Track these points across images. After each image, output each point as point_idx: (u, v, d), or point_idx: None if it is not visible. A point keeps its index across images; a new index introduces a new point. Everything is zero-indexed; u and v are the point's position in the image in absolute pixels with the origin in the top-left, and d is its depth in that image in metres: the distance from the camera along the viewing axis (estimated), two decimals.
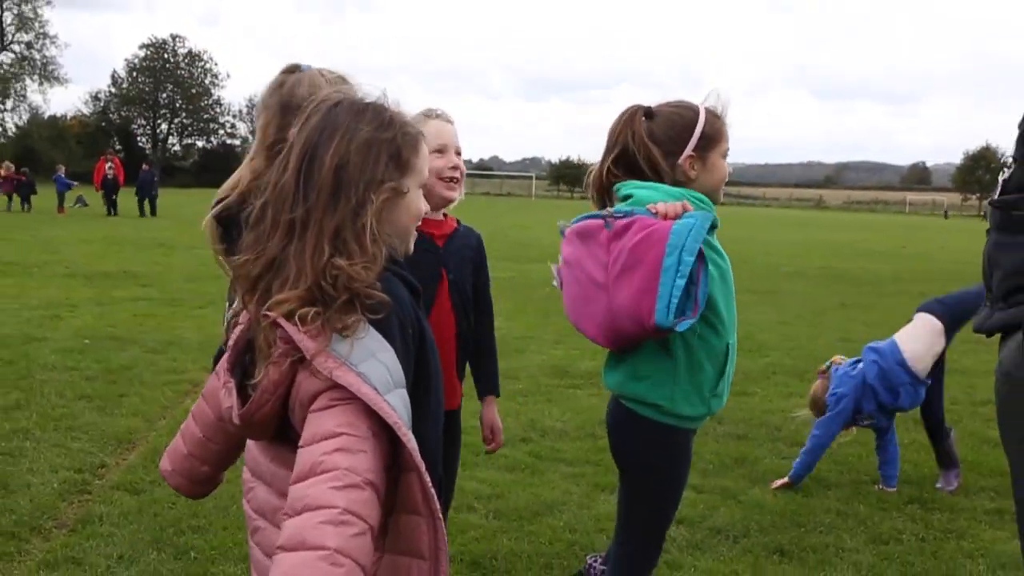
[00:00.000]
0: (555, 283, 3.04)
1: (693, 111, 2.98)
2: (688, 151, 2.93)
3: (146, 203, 32.90)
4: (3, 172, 35.05)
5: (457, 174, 3.14)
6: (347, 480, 1.65)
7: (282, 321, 1.75)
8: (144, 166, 35.96)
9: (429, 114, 3.13)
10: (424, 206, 2.00)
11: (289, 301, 1.75)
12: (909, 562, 4.38)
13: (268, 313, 1.77)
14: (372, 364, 1.76)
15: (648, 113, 3.00)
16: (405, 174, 1.89)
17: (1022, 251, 2.38)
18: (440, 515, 1.82)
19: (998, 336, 2.50)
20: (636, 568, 3.14)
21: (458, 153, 3.17)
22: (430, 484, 1.79)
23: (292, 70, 2.77)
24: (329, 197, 1.80)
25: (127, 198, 33.35)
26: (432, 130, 3.01)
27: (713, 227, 2.88)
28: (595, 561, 3.44)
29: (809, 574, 4.20)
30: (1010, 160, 2.49)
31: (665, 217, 2.72)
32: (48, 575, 3.93)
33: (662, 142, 2.95)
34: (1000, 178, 2.53)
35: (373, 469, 1.70)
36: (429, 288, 3.08)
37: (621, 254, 2.72)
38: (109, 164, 33.44)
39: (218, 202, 2.71)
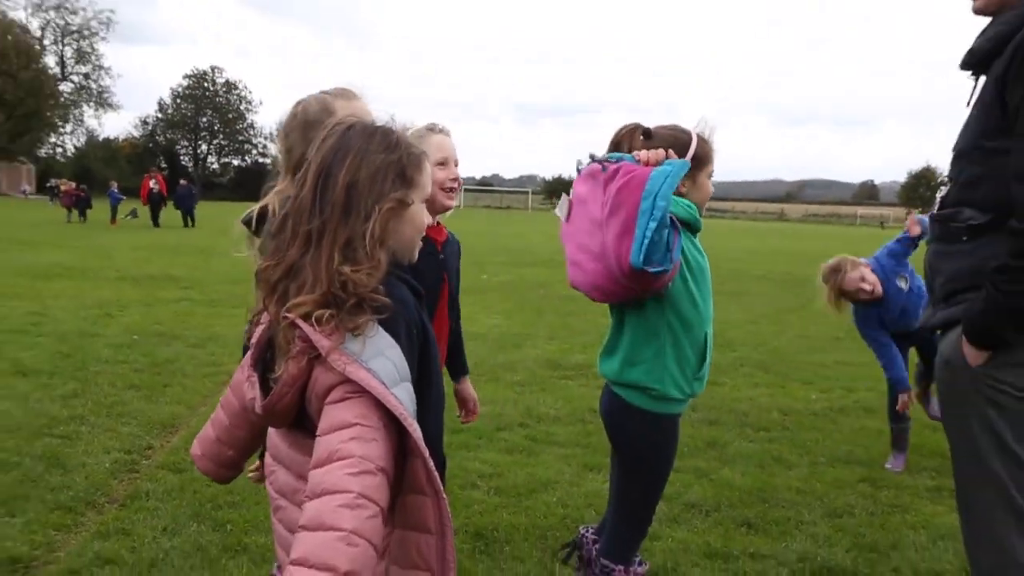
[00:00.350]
0: (557, 211, 3.01)
1: (687, 135, 2.99)
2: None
3: (186, 215, 32.77)
4: (64, 188, 35.27)
5: (456, 184, 3.12)
6: (361, 467, 1.66)
7: (300, 322, 1.76)
8: (182, 181, 35.69)
9: (432, 128, 3.09)
10: (427, 219, 2.00)
11: (306, 304, 1.76)
12: (860, 533, 4.37)
13: (287, 315, 1.77)
14: (381, 361, 1.76)
15: (646, 133, 3.00)
16: (410, 190, 1.89)
17: (959, 259, 2.41)
18: (443, 494, 1.82)
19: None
20: (629, 540, 3.15)
21: (456, 164, 3.14)
22: (433, 468, 1.80)
23: (300, 101, 2.78)
24: (341, 212, 1.81)
25: (169, 211, 33.41)
26: (435, 143, 3.00)
27: (695, 229, 2.95)
28: (587, 532, 3.43)
29: (772, 544, 4.19)
30: (946, 179, 2.51)
31: (647, 164, 2.72)
32: (101, 544, 3.92)
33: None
34: (938, 195, 2.55)
35: (384, 456, 1.71)
36: (433, 291, 3.08)
37: (609, 196, 2.71)
38: (153, 180, 33.05)
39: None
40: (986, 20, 2.45)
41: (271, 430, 2.06)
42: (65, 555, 3.83)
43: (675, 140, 2.96)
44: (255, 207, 2.75)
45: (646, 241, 2.59)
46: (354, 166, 1.83)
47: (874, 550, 4.14)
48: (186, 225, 32.01)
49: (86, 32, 79.17)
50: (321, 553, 1.58)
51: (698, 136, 3.00)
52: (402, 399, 1.76)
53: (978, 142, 2.35)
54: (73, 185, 36.54)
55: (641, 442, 3.04)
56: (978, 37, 2.43)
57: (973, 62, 2.42)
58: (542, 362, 8.61)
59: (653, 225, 2.59)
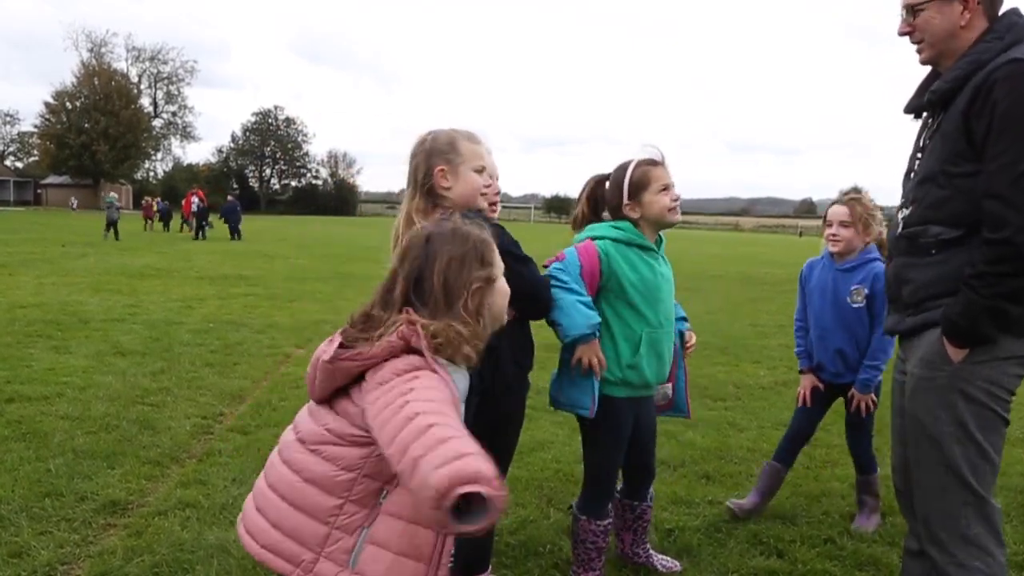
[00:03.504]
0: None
1: (622, 169, 2.95)
2: (625, 201, 2.92)
3: (232, 229, 29.41)
4: (144, 203, 35.18)
5: (496, 198, 2.93)
6: (446, 418, 1.63)
7: (418, 328, 1.73)
8: (229, 197, 31.76)
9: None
10: (507, 288, 1.95)
11: (426, 324, 1.75)
12: (798, 483, 4.36)
13: (412, 321, 1.74)
14: (456, 377, 1.79)
15: (603, 180, 3.03)
16: (491, 268, 1.89)
17: (928, 270, 2.35)
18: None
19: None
20: (593, 498, 3.08)
21: (496, 178, 2.90)
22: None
23: (429, 131, 2.72)
24: (444, 302, 1.80)
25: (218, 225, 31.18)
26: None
27: (647, 248, 2.93)
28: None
29: (727, 492, 4.19)
30: (908, 201, 2.45)
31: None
32: (183, 491, 3.93)
33: (610, 201, 2.98)
34: (900, 216, 2.48)
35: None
36: None
37: None
38: (196, 197, 30.00)
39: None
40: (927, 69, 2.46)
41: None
42: (153, 499, 3.85)
43: (614, 179, 2.97)
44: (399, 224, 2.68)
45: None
46: (442, 265, 1.83)
47: (808, 497, 4.15)
48: (232, 238, 28.41)
49: (174, 78, 79.58)
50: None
51: (636, 164, 2.93)
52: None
53: (943, 167, 2.31)
54: (150, 200, 36.13)
55: (586, 421, 3.01)
56: (937, 81, 2.38)
57: (934, 100, 2.37)
58: (541, 345, 8.53)
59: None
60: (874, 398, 3.78)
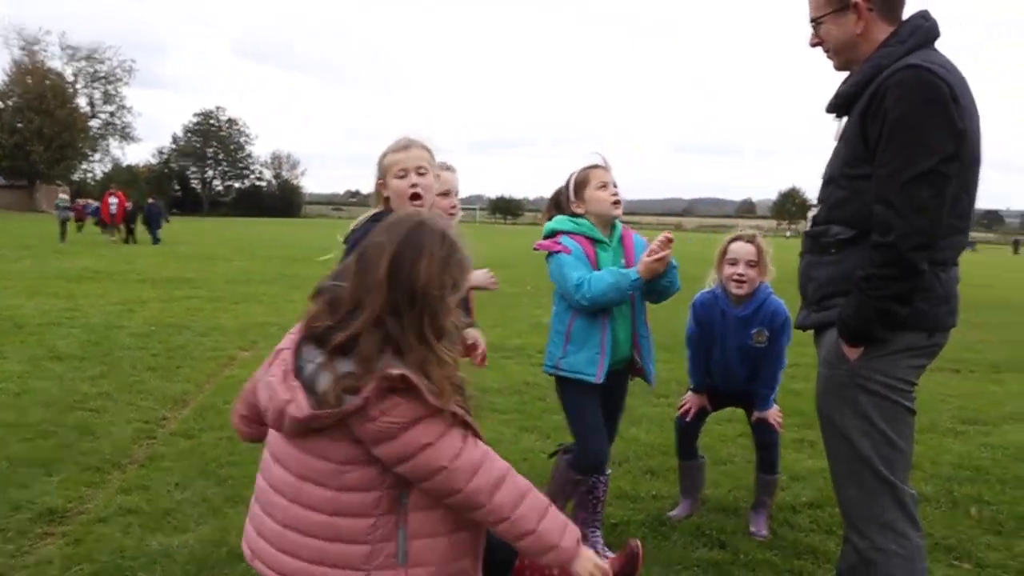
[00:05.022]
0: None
1: (570, 175, 3.33)
2: (571, 199, 3.31)
3: (149, 230, 26.50)
4: (75, 205, 33.84)
5: (455, 212, 3.40)
6: (492, 461, 1.87)
7: (411, 381, 1.67)
8: (150, 199, 28.70)
9: (442, 166, 3.17)
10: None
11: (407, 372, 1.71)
12: (739, 477, 4.44)
13: (390, 374, 1.66)
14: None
15: (560, 192, 3.39)
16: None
17: (829, 267, 2.42)
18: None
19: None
20: (580, 456, 3.35)
21: (455, 195, 3.38)
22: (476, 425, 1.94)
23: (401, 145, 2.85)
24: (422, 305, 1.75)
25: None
26: (442, 179, 3.08)
27: (598, 241, 3.26)
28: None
29: (670, 487, 4.23)
30: (817, 201, 2.53)
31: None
32: (124, 497, 3.83)
33: (563, 203, 3.37)
34: (809, 215, 2.57)
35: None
36: None
37: None
38: (113, 197, 27.00)
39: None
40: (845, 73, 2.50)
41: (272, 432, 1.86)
42: (94, 507, 3.73)
43: (563, 185, 3.36)
44: (351, 226, 2.81)
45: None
46: (426, 266, 1.74)
47: (748, 490, 4.20)
48: (155, 242, 25.75)
49: (111, 78, 77.33)
50: (539, 504, 1.84)
51: (578, 170, 3.30)
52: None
53: (843, 170, 2.37)
54: (81, 203, 34.80)
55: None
56: (841, 84, 2.45)
57: (838, 104, 2.44)
58: (487, 345, 8.56)
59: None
60: (778, 409, 3.82)
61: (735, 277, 3.65)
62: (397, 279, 1.71)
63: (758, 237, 3.71)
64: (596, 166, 3.28)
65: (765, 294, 3.68)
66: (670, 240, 3.13)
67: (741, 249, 3.66)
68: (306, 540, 1.76)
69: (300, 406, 1.68)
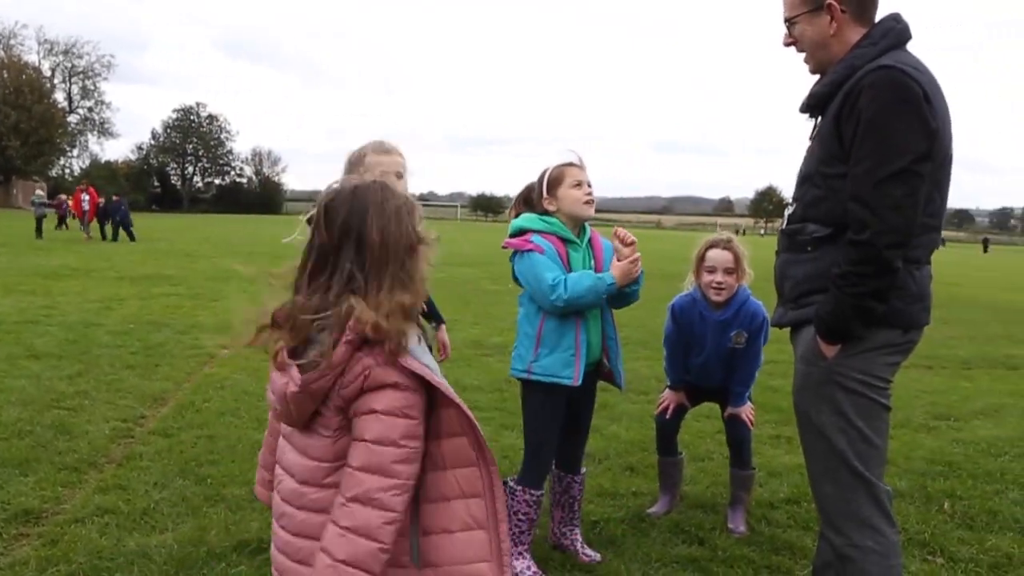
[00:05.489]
0: None
1: (543, 172, 3.23)
2: (544, 195, 3.20)
3: (111, 229, 25.54)
4: (57, 201, 33.21)
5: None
6: (405, 489, 1.64)
7: (367, 328, 1.63)
8: (114, 197, 27.29)
9: (389, 150, 2.99)
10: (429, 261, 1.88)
11: (367, 320, 1.64)
12: (717, 473, 4.46)
13: (355, 324, 1.63)
14: (426, 358, 1.71)
15: (531, 187, 3.29)
16: (420, 225, 1.81)
17: (806, 265, 2.43)
18: (480, 431, 1.74)
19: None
20: (531, 470, 3.24)
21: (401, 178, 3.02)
22: (470, 413, 1.73)
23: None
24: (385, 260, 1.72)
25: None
26: (385, 161, 2.91)
27: (569, 241, 3.19)
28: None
29: (650, 484, 4.25)
30: (792, 200, 2.55)
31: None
32: (102, 497, 3.78)
33: (533, 199, 3.27)
34: (786, 212, 2.59)
35: (417, 470, 1.68)
36: None
37: None
38: (86, 194, 26.46)
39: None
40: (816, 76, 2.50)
41: (281, 441, 1.85)
42: (71, 507, 3.69)
43: (536, 180, 3.25)
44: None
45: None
46: (381, 220, 1.72)
47: (726, 486, 4.22)
48: (115, 239, 24.85)
49: (90, 73, 76.48)
50: (366, 560, 1.61)
51: (552, 166, 3.20)
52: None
53: (819, 168, 2.38)
54: (63, 198, 33.96)
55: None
56: (815, 84, 2.46)
57: (812, 104, 2.45)
58: (468, 342, 8.57)
59: None
60: (751, 405, 3.84)
61: (714, 285, 3.68)
62: (353, 238, 1.71)
63: (734, 242, 3.72)
64: (571, 164, 3.19)
65: (744, 297, 3.70)
66: (633, 241, 3.12)
67: (719, 257, 3.68)
68: (315, 544, 1.71)
69: (295, 380, 1.69)
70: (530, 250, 3.09)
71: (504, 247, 3.21)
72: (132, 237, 25.18)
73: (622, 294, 3.20)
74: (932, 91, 2.26)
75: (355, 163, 2.88)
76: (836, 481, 2.39)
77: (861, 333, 2.30)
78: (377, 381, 1.65)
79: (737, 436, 3.83)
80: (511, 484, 3.23)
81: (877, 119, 2.21)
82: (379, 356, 1.65)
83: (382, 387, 1.65)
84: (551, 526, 3.47)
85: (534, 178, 3.32)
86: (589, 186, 3.18)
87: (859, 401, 2.35)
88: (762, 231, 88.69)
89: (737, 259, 3.65)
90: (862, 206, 2.21)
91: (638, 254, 3.13)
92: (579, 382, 3.11)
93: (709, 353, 3.77)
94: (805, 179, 2.46)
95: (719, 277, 3.67)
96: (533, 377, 3.14)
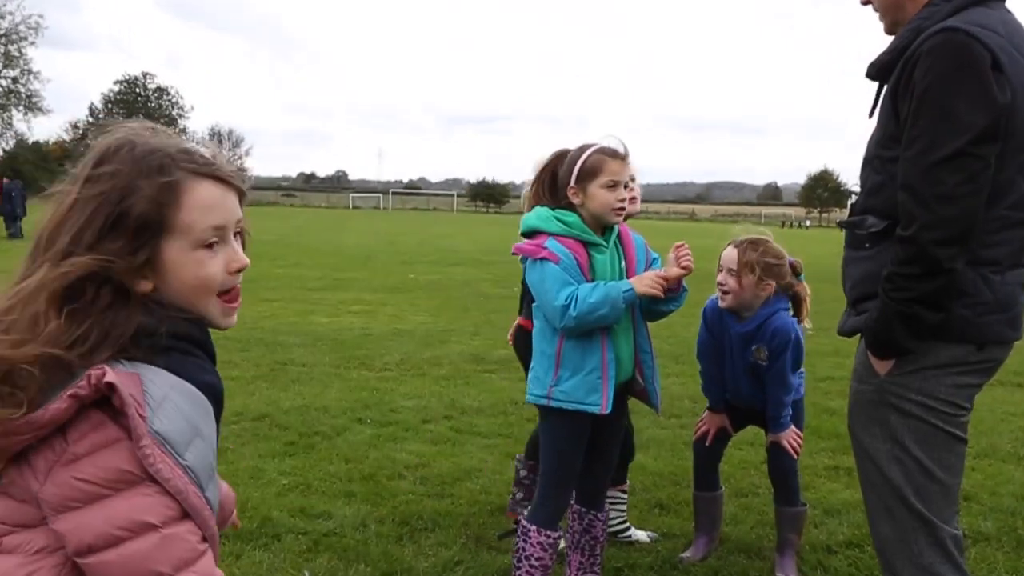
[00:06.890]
0: None
1: (581, 150, 3.09)
2: (571, 184, 3.07)
3: (8, 220, 24.90)
4: None
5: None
6: None
7: (112, 378, 1.35)
8: (4, 180, 26.55)
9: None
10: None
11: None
12: (763, 511, 4.44)
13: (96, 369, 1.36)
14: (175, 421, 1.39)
15: (563, 155, 3.19)
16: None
17: (863, 264, 2.42)
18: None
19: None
20: (540, 508, 3.22)
21: None
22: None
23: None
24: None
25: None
26: None
27: (593, 244, 3.11)
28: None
29: (684, 524, 4.24)
30: (856, 187, 2.53)
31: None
32: None
33: (562, 179, 3.12)
34: (849, 203, 2.58)
35: None
36: None
37: None
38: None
39: None
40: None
41: None
42: None
43: (570, 158, 3.12)
44: None
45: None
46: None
47: (774, 527, 4.21)
48: (9, 233, 24.09)
49: (14, 36, 76.67)
50: None
51: (596, 150, 3.07)
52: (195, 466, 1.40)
53: (877, 151, 2.37)
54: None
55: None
56: (883, 51, 2.43)
57: (873, 73, 2.43)
58: (467, 357, 8.58)
59: None
60: (796, 431, 3.82)
61: (717, 284, 3.74)
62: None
63: (756, 241, 3.69)
64: (615, 155, 3.06)
65: (771, 310, 3.66)
66: (688, 269, 3.08)
67: (726, 254, 3.72)
68: None
69: None
70: (543, 258, 3.02)
71: (514, 253, 3.13)
72: (17, 232, 24.21)
73: (656, 308, 3.19)
74: (1009, 58, 2.19)
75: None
76: (893, 519, 2.38)
77: (912, 346, 2.27)
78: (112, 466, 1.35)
79: (780, 467, 3.82)
80: (523, 523, 3.22)
81: (931, 92, 2.17)
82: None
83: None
84: (568, 574, 3.47)
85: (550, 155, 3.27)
86: (631, 182, 3.16)
87: (919, 427, 2.32)
88: (807, 223, 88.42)
89: (740, 261, 3.63)
90: (911, 195, 2.19)
91: (680, 272, 3.08)
92: (608, 409, 3.06)
93: (737, 367, 3.78)
94: (866, 163, 2.46)
95: (721, 277, 3.72)
96: (553, 403, 3.10)
